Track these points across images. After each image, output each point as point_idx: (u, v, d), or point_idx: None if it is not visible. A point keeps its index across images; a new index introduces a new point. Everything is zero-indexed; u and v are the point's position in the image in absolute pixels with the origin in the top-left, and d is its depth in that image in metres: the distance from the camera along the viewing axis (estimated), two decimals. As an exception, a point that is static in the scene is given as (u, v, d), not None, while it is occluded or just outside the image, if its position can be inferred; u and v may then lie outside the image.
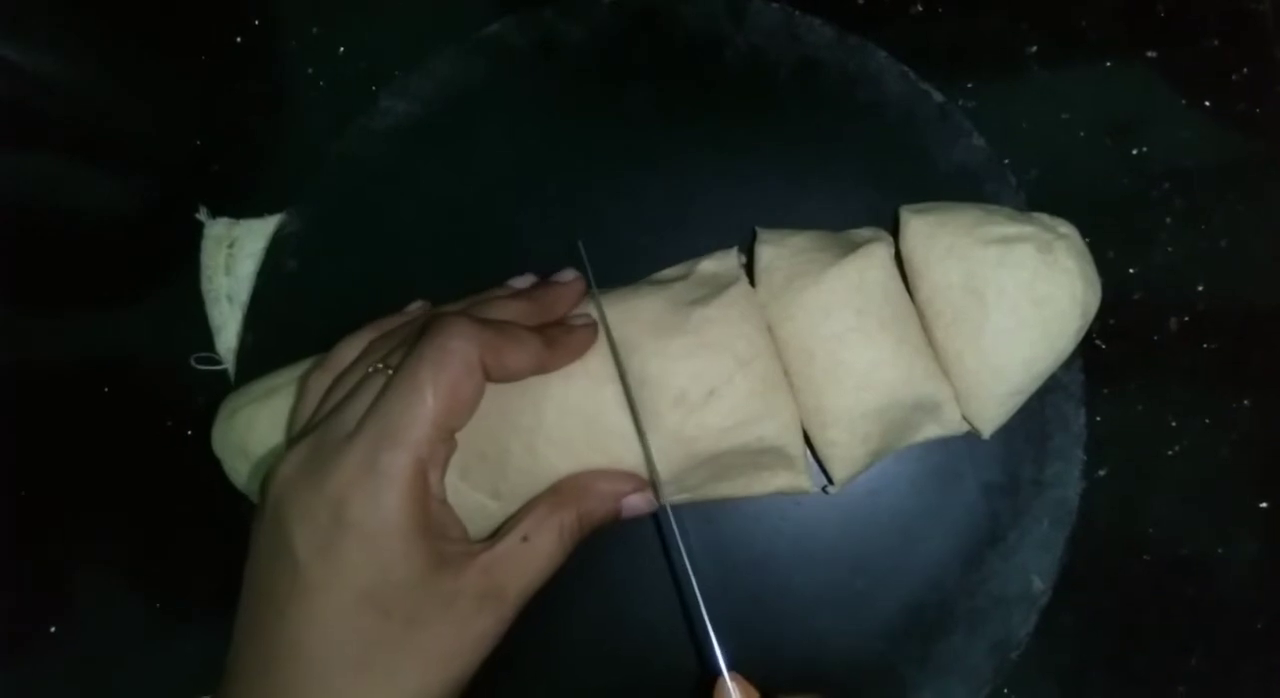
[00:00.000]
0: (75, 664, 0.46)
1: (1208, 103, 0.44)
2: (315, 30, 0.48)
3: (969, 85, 0.44)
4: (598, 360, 0.37)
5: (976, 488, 0.42)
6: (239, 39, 0.48)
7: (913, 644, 0.41)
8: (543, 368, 0.35)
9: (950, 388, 0.38)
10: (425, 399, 0.31)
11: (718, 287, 0.38)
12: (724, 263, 0.40)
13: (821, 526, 0.42)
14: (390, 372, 0.33)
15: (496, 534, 0.34)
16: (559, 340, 0.36)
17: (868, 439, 0.37)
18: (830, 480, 0.39)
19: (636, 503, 0.37)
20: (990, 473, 0.42)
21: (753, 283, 0.39)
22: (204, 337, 0.47)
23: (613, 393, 0.36)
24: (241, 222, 0.47)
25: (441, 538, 0.32)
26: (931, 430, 0.39)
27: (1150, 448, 0.42)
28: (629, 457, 0.37)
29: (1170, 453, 0.42)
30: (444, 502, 0.33)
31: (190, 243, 0.47)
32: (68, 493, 0.47)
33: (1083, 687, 0.42)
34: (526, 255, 0.43)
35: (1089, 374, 0.42)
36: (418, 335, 0.34)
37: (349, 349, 0.37)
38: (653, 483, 0.37)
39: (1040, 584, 0.41)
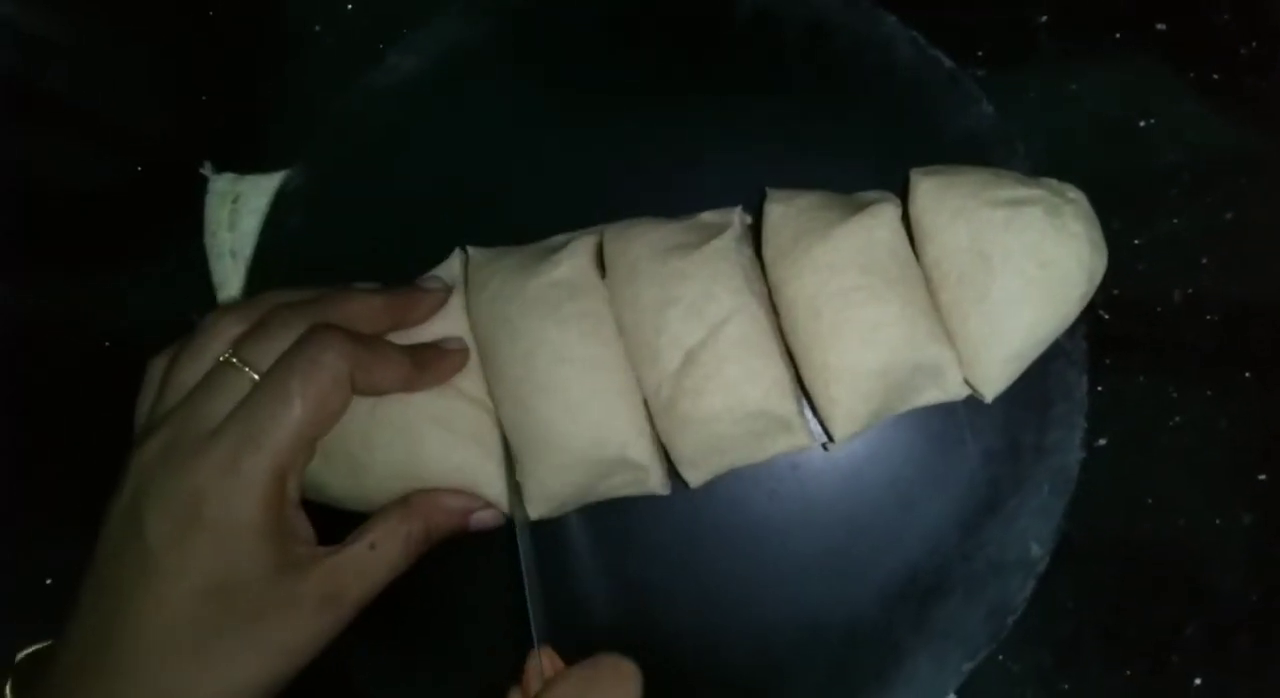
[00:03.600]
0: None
1: (1216, 76, 0.44)
2: (323, -15, 0.48)
3: (979, 53, 0.44)
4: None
5: (977, 454, 0.42)
6: (246, -6, 0.48)
7: (909, 609, 0.41)
8: (409, 387, 0.37)
9: (953, 352, 0.38)
10: (293, 409, 0.33)
11: (706, 236, 0.38)
12: (724, 216, 0.40)
13: (819, 490, 0.42)
14: (250, 372, 0.34)
15: (345, 539, 0.35)
16: (429, 363, 0.37)
17: (869, 397, 0.37)
18: (830, 438, 0.39)
19: (485, 518, 0.39)
20: (991, 439, 0.42)
21: (759, 242, 0.39)
22: (207, 292, 0.46)
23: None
24: (246, 177, 0.47)
25: (292, 540, 0.34)
26: (933, 395, 0.39)
27: (1151, 418, 0.42)
28: (622, 413, 0.37)
29: (1171, 424, 0.42)
30: (298, 506, 0.34)
31: (195, 198, 0.47)
32: (67, 445, 0.47)
33: (1078, 654, 0.42)
34: (528, 214, 0.43)
35: (1092, 343, 0.42)
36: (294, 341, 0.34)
37: (215, 342, 0.36)
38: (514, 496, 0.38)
39: (1038, 550, 0.41)
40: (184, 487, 0.32)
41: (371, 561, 0.35)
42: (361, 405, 0.37)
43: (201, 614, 0.32)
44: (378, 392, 0.36)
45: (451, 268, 0.41)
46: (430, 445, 0.37)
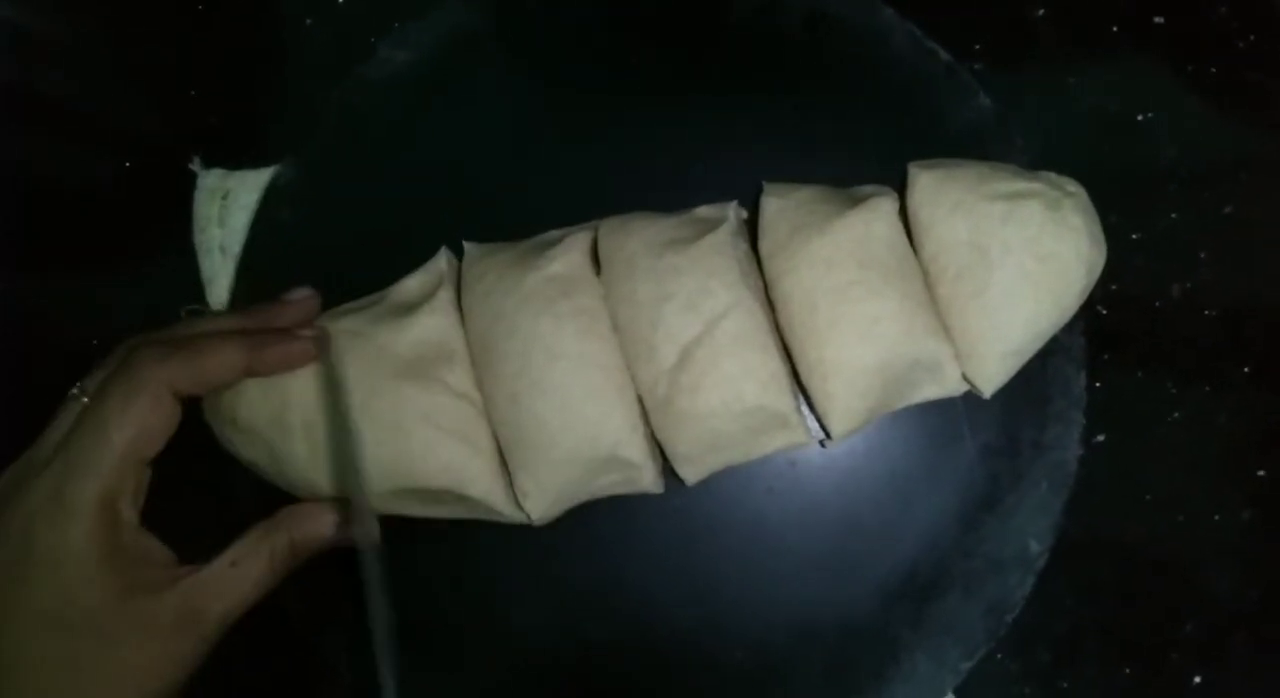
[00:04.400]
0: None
1: (1214, 70, 0.44)
2: (314, -21, 0.47)
3: (977, 46, 0.44)
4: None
5: (975, 450, 0.41)
6: (237, -13, 0.48)
7: (907, 606, 0.41)
8: (255, 371, 0.36)
9: (951, 348, 0.38)
10: (109, 434, 0.33)
11: (701, 231, 0.38)
12: (719, 211, 0.39)
13: (817, 486, 0.42)
14: (86, 401, 0.35)
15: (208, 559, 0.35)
16: (267, 344, 0.36)
17: (867, 393, 0.37)
18: (828, 435, 0.38)
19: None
20: (989, 435, 0.42)
21: (755, 236, 0.39)
22: (196, 288, 0.46)
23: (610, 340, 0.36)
24: (235, 173, 0.46)
25: (138, 563, 0.34)
26: (931, 390, 0.39)
27: (1149, 414, 0.42)
28: (616, 411, 0.37)
29: (1169, 420, 0.42)
30: (138, 528, 0.34)
31: (184, 194, 0.46)
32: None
33: (1076, 652, 0.42)
34: (522, 210, 0.42)
35: (1090, 339, 0.42)
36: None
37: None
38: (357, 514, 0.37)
39: (1037, 547, 0.41)
40: (15, 521, 0.33)
41: (232, 578, 0.35)
42: (352, 403, 0.36)
43: (48, 648, 0.32)
44: (215, 385, 0.36)
45: (438, 264, 0.40)
46: (416, 443, 0.37)
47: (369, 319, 0.39)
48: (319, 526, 0.37)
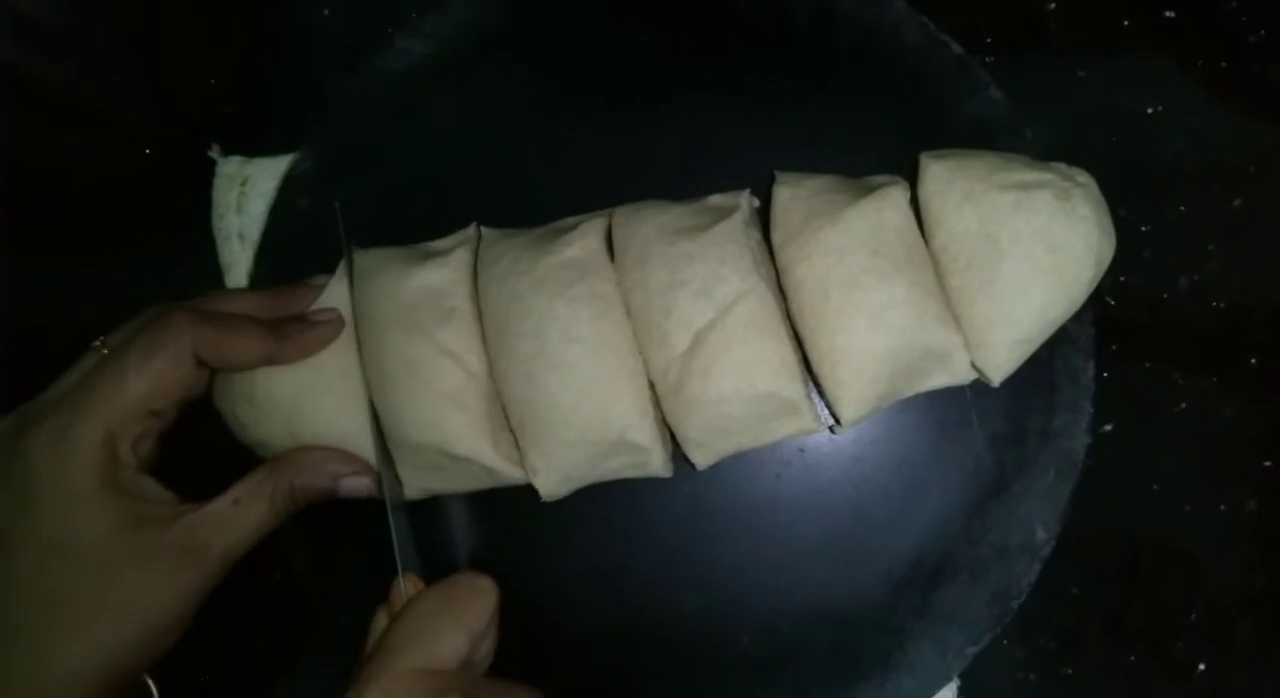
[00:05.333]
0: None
1: (1224, 64, 0.44)
2: (332, -31, 0.48)
3: (988, 39, 0.44)
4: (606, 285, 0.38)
5: (983, 438, 0.42)
6: (255, -23, 0.48)
7: (914, 592, 0.42)
8: (275, 359, 0.38)
9: (961, 337, 0.38)
10: (125, 380, 0.34)
11: (714, 219, 0.38)
12: (732, 199, 0.40)
13: (826, 473, 0.42)
14: (105, 352, 0.36)
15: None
16: (289, 333, 0.38)
17: (876, 380, 0.37)
18: (838, 421, 0.39)
19: (353, 485, 0.39)
20: (997, 423, 0.42)
21: (768, 225, 0.39)
22: (215, 274, 0.46)
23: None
24: (254, 160, 0.47)
25: (140, 499, 0.35)
26: (940, 379, 0.39)
27: (1156, 404, 0.43)
28: (627, 395, 0.37)
29: (1176, 410, 0.43)
30: (137, 470, 0.35)
31: (203, 181, 0.47)
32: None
33: (1081, 639, 0.42)
34: (536, 198, 0.43)
35: (1099, 329, 0.42)
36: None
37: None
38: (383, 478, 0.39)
39: (1043, 535, 0.41)
40: (20, 457, 0.34)
41: (235, 516, 0.36)
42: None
43: (52, 577, 0.33)
44: (234, 365, 0.37)
45: (469, 230, 0.41)
46: (400, 393, 0.38)
47: (386, 260, 0.40)
48: (319, 476, 0.38)
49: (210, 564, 0.35)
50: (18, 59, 0.49)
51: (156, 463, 0.37)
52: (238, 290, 0.39)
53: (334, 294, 0.40)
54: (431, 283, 0.39)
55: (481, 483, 0.40)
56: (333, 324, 0.39)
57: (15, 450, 0.34)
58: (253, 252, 0.46)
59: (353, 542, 0.42)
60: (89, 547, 0.33)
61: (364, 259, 0.40)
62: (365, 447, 0.39)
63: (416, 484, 0.40)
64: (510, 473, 0.39)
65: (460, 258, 0.39)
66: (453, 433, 0.37)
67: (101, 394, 0.34)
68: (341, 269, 0.41)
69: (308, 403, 0.39)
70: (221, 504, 0.36)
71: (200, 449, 0.39)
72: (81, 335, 0.46)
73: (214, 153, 0.47)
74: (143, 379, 0.34)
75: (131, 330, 0.37)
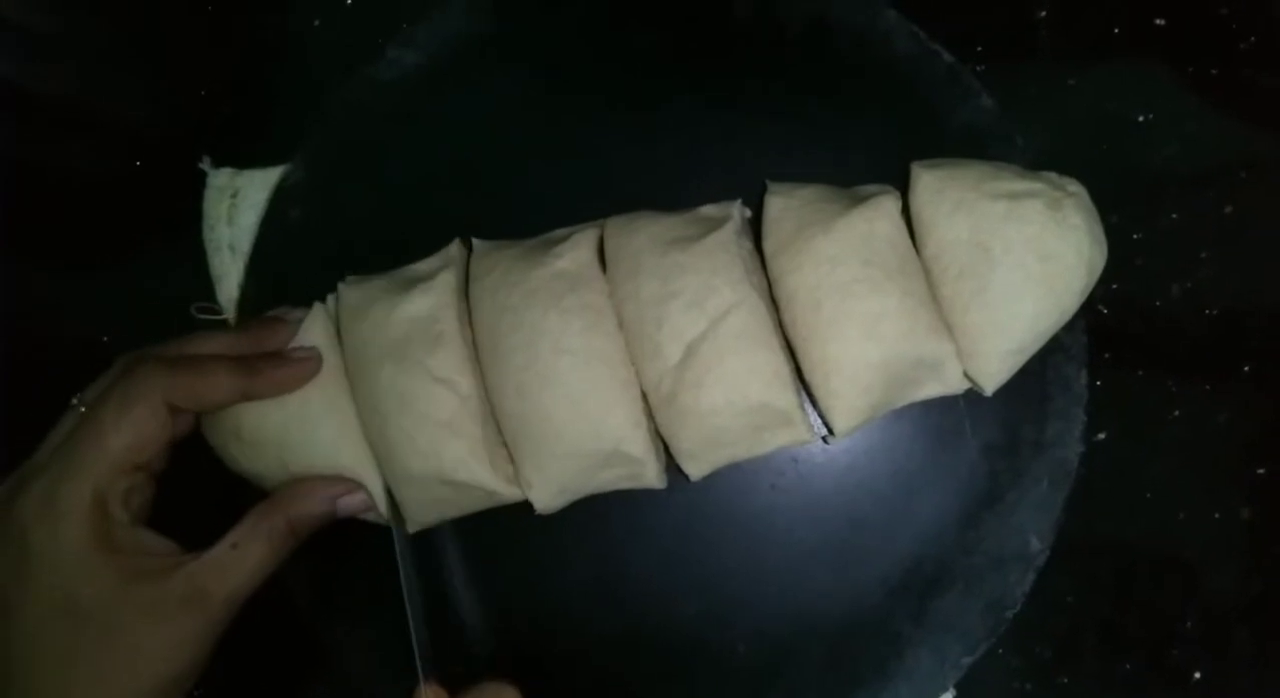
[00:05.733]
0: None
1: (1214, 71, 0.44)
2: (322, -20, 0.48)
3: (979, 48, 0.44)
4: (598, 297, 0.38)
5: (976, 447, 0.42)
6: (246, -12, 0.48)
7: (909, 602, 0.42)
8: (250, 396, 0.38)
9: (953, 345, 0.38)
10: (104, 438, 0.34)
11: (706, 229, 0.38)
12: (724, 209, 0.40)
13: (819, 483, 0.42)
14: (83, 410, 0.36)
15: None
16: (262, 370, 0.38)
17: (870, 390, 0.37)
18: (831, 431, 0.39)
19: (350, 503, 0.39)
20: (990, 433, 0.42)
21: (759, 235, 0.39)
22: (205, 286, 0.46)
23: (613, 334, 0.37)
24: (245, 172, 0.47)
25: (137, 554, 0.35)
26: (933, 388, 0.39)
27: (1150, 412, 0.43)
28: (620, 407, 0.37)
29: (1169, 418, 0.43)
30: (131, 525, 0.36)
31: (194, 193, 0.47)
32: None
33: (1077, 648, 0.42)
34: (529, 209, 0.43)
35: (1091, 338, 0.42)
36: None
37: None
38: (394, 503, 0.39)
39: (1038, 544, 0.41)
40: (13, 522, 0.34)
41: (234, 560, 0.36)
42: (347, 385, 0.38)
43: (58, 640, 0.34)
44: (210, 407, 0.38)
45: (450, 250, 0.41)
46: (393, 428, 0.37)
47: (372, 294, 0.39)
48: (313, 503, 0.38)
49: (215, 610, 0.35)
50: (9, 69, 0.49)
51: (152, 512, 0.37)
52: (210, 333, 0.39)
53: (312, 329, 0.40)
54: (419, 312, 0.38)
55: (482, 505, 0.40)
56: (310, 361, 0.39)
57: (10, 516, 0.34)
58: (244, 263, 0.46)
59: (353, 562, 0.42)
60: (91, 606, 0.33)
61: (350, 295, 0.40)
62: (360, 477, 0.39)
63: (419, 518, 0.40)
64: (511, 494, 0.39)
65: (445, 281, 0.39)
66: (451, 460, 0.37)
67: (83, 455, 0.34)
68: (317, 308, 0.40)
69: (298, 436, 0.38)
70: (220, 550, 0.36)
71: (207, 487, 0.40)
72: (73, 344, 0.47)
73: (204, 165, 0.47)
74: (121, 435, 0.34)
75: (104, 385, 0.37)
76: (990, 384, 0.38)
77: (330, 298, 0.41)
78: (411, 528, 0.40)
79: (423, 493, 0.39)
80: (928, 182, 0.38)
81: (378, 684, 0.43)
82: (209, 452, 0.40)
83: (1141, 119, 0.44)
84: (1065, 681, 0.42)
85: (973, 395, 0.40)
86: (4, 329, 0.48)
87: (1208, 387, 0.43)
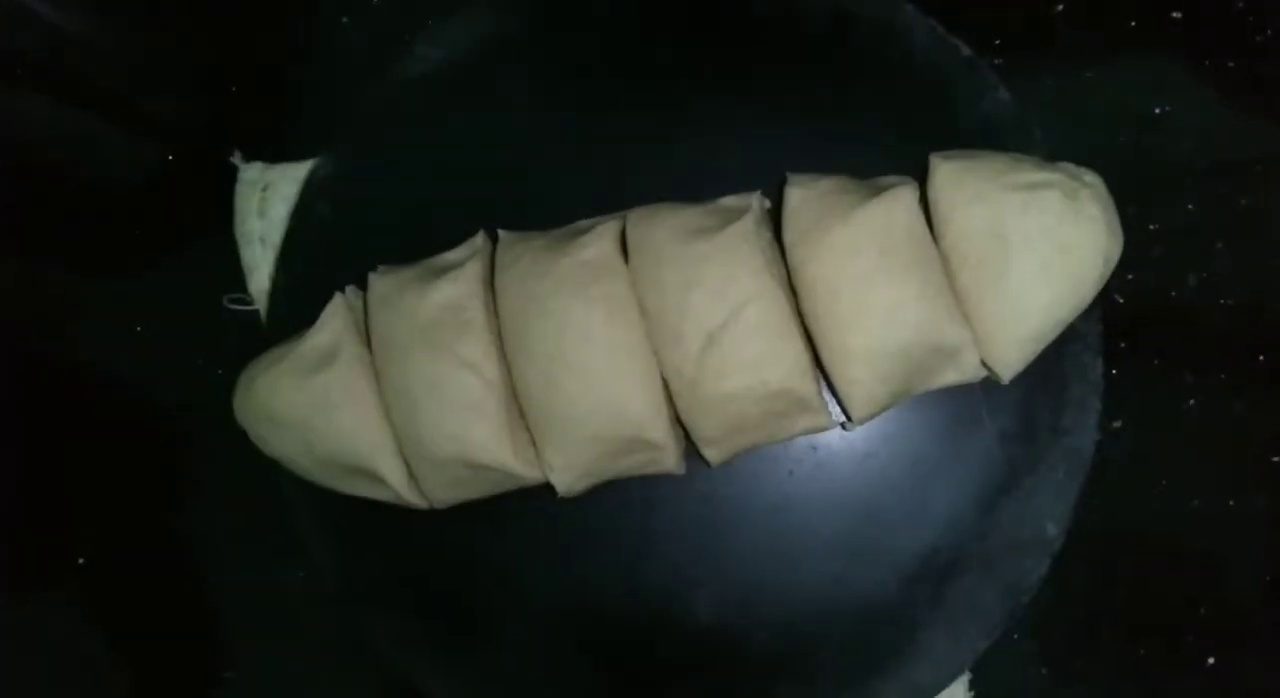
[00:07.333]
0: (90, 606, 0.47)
1: (1231, 64, 0.44)
2: (351, -22, 0.49)
3: (996, 41, 0.45)
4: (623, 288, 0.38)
5: (993, 435, 0.42)
6: (276, -14, 0.49)
7: (926, 587, 0.42)
8: None
9: (970, 334, 0.38)
10: None
11: (726, 220, 0.39)
12: (744, 200, 0.40)
13: (838, 470, 0.43)
14: None
15: None
16: None
17: (888, 378, 0.38)
18: (849, 419, 0.39)
19: None
20: (1007, 420, 0.42)
21: (779, 226, 0.40)
22: (237, 278, 0.47)
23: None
24: (275, 166, 0.48)
25: None
26: (950, 376, 0.40)
27: (1165, 401, 0.43)
28: (641, 395, 0.38)
29: (1185, 407, 0.43)
30: None
31: (225, 187, 0.48)
32: (101, 427, 0.48)
33: (1091, 634, 0.42)
34: (553, 201, 0.44)
35: (1107, 327, 0.43)
36: None
37: None
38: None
39: (1054, 530, 0.42)
40: None
41: None
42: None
43: None
44: None
45: (476, 240, 0.42)
46: (423, 412, 0.38)
47: (402, 283, 0.40)
48: None
49: None
50: (42, 66, 0.50)
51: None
52: None
53: (332, 319, 0.41)
54: (448, 299, 0.39)
55: (502, 487, 0.41)
56: None
57: None
58: (274, 255, 0.47)
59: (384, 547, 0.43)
60: None
61: (380, 284, 0.41)
62: (376, 461, 0.40)
63: (441, 498, 0.41)
64: (532, 477, 0.39)
65: (472, 270, 0.40)
66: (475, 444, 0.38)
67: None
68: (337, 299, 0.41)
69: (320, 421, 0.39)
70: None
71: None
72: (114, 332, 0.48)
73: (236, 159, 0.48)
74: None
75: None
76: (1007, 372, 0.39)
77: (349, 289, 0.42)
78: (434, 507, 0.41)
79: (445, 474, 0.40)
80: (946, 173, 0.39)
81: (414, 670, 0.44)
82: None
83: (1158, 111, 0.44)
84: (1080, 665, 0.42)
85: (989, 383, 0.41)
86: (40, 320, 0.49)
87: (1223, 376, 0.43)
